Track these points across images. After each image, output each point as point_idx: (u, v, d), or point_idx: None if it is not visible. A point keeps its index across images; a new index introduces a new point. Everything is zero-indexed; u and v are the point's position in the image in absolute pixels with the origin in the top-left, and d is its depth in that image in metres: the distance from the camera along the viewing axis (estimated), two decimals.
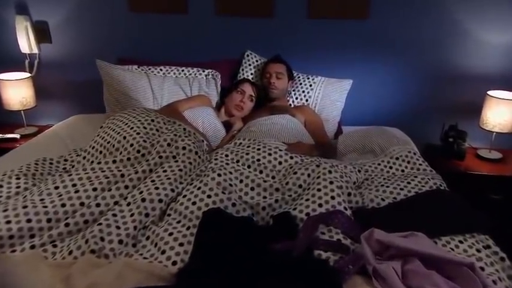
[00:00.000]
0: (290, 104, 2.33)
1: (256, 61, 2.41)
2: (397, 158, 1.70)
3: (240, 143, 1.66)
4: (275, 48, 2.35)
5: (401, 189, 1.44)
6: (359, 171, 1.58)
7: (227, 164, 1.45)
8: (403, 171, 1.65)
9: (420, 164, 1.67)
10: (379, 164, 1.70)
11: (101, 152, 1.55)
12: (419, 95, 2.46)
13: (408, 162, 1.68)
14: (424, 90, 2.45)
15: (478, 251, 1.17)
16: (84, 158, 1.60)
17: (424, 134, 2.48)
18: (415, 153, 1.72)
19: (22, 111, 2.47)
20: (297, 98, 2.33)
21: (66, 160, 1.67)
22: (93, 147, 1.59)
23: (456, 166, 2.25)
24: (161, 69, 2.34)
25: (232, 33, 2.44)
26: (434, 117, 2.47)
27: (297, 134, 1.86)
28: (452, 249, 1.17)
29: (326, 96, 2.29)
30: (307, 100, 2.31)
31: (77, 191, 1.26)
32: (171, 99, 2.23)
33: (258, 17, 2.39)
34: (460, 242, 1.20)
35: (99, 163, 1.42)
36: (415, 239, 1.06)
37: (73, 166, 1.59)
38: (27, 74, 2.47)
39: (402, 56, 2.38)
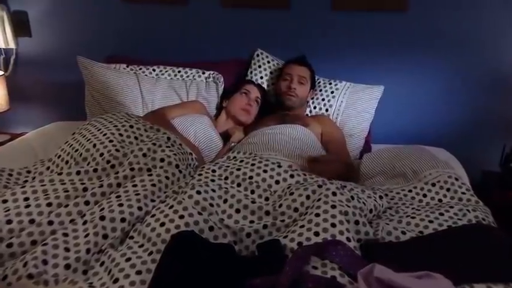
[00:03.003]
0: (307, 114, 2.33)
1: (268, 62, 2.43)
2: (433, 184, 1.66)
3: (234, 157, 1.66)
4: (291, 47, 2.37)
5: (431, 221, 1.41)
6: (380, 197, 1.55)
7: (212, 180, 1.46)
8: (440, 200, 1.61)
9: (463, 193, 1.62)
10: (410, 191, 1.67)
11: (67, 162, 1.60)
12: (473, 108, 2.41)
13: (448, 189, 1.64)
14: (479, 101, 2.40)
15: None
16: (48, 168, 1.64)
17: (479, 158, 2.41)
18: (457, 179, 1.67)
19: None
20: (315, 108, 2.33)
21: (29, 172, 1.71)
22: (59, 156, 1.64)
23: None
24: (154, 70, 2.41)
25: (240, 29, 2.49)
26: (492, 137, 2.41)
27: (306, 148, 1.85)
28: None
29: (351, 105, 2.28)
30: (327, 110, 2.30)
31: (28, 206, 1.29)
32: (163, 104, 2.27)
33: (271, 9, 2.42)
34: None
35: (59, 174, 1.46)
36: (431, 281, 1.02)
37: (34, 178, 1.64)
38: (0, 72, 2.59)
39: (450, 58, 2.35)
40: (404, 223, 1.41)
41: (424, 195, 1.64)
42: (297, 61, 2.28)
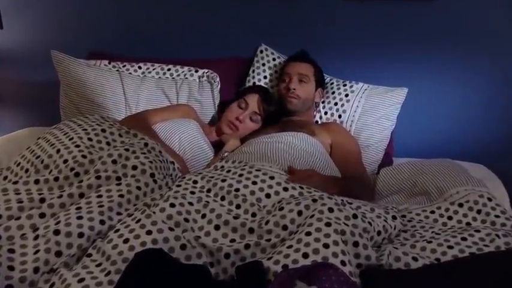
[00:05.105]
0: (316, 121, 2.33)
1: (273, 59, 2.45)
2: (460, 205, 1.64)
3: (222, 167, 1.67)
4: (299, 42, 2.39)
5: (450, 247, 1.38)
6: (394, 218, 1.53)
7: (192, 192, 1.46)
8: (468, 224, 1.58)
9: (497, 216, 1.60)
10: (432, 212, 1.65)
11: (26, 171, 1.62)
12: None
13: (478, 211, 1.62)
14: None
15: None
16: (6, 178, 1.66)
17: None
18: (490, 199, 1.65)
19: None
20: (326, 113, 2.33)
21: None
22: (18, 164, 1.66)
23: None
24: (140, 67, 2.45)
25: (240, 21, 2.52)
26: None
27: (310, 160, 1.85)
28: None
29: (368, 110, 2.28)
30: (340, 116, 2.30)
31: None
32: (149, 107, 2.31)
33: None
34: None
35: (15, 183, 1.47)
36: None
37: None
38: None
39: (488, 57, 2.35)
40: (418, 248, 1.38)
41: (449, 218, 1.61)
42: (295, 57, 2.30)
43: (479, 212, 1.61)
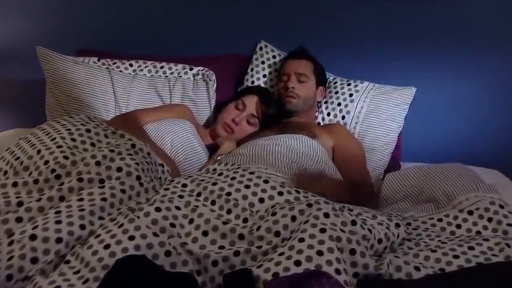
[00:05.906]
0: (319, 123, 2.33)
1: (274, 57, 2.46)
2: (470, 212, 1.63)
3: (214, 169, 1.67)
4: (301, 39, 2.39)
5: (456, 256, 1.38)
6: (397, 225, 1.53)
7: (180, 196, 1.46)
8: (478, 233, 1.58)
9: (509, 224, 1.59)
10: (439, 220, 1.64)
11: (5, 173, 1.62)
12: None
13: (489, 219, 1.61)
14: None
15: None
16: None
17: None
18: (502, 206, 1.64)
19: None
20: (329, 114, 2.33)
21: None
22: None
23: None
24: (131, 65, 2.45)
25: (239, 16, 2.53)
26: None
27: (310, 163, 1.85)
28: None
29: (373, 111, 2.28)
30: (343, 118, 2.30)
31: None
32: (140, 107, 2.32)
33: None
34: None
35: None
36: None
37: None
38: None
39: (501, 53, 2.35)
40: (421, 257, 1.38)
41: (458, 226, 1.61)
42: (294, 55, 2.31)
43: (490, 220, 1.60)
